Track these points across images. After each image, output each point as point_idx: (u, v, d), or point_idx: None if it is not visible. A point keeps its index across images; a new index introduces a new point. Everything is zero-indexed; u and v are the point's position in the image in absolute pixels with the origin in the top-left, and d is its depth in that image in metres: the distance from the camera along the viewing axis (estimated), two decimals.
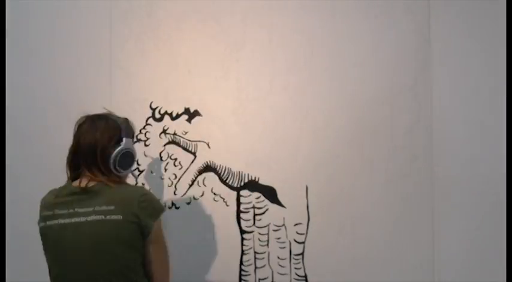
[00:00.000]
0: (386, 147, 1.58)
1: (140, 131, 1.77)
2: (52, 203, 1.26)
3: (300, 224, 1.65)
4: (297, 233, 1.65)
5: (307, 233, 1.64)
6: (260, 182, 1.69)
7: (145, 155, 1.77)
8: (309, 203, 1.64)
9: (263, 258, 1.68)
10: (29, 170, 1.93)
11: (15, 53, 1.91)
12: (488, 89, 1.51)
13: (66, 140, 1.90)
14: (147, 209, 1.23)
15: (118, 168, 1.27)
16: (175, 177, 1.75)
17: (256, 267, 1.69)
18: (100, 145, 1.26)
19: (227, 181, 1.72)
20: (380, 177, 1.58)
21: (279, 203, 1.67)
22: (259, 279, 1.68)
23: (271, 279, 1.67)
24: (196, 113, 1.76)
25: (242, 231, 1.70)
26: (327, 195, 1.62)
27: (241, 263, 1.70)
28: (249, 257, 1.70)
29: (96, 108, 1.85)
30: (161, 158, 1.78)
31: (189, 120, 1.77)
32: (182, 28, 1.79)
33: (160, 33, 1.81)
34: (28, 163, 1.92)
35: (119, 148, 1.27)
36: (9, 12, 1.89)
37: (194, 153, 1.76)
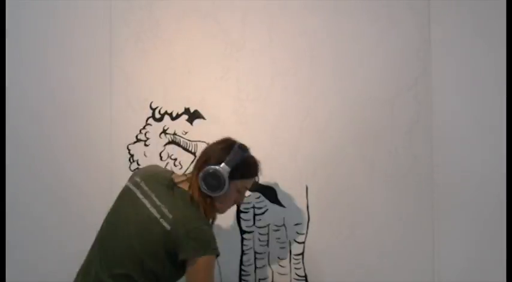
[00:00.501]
0: (387, 147, 1.58)
1: (140, 131, 1.77)
2: (146, 176, 1.38)
3: (300, 224, 1.65)
4: (297, 233, 1.65)
5: (307, 233, 1.64)
6: (260, 182, 1.69)
7: (145, 155, 1.76)
8: (309, 203, 1.64)
9: (263, 258, 1.68)
10: (29, 170, 1.92)
11: (15, 53, 1.91)
12: (488, 89, 1.51)
13: (66, 140, 1.90)
14: (193, 240, 1.26)
15: (202, 183, 1.30)
16: None
17: (256, 267, 1.69)
18: (205, 158, 1.34)
19: None
20: (380, 177, 1.58)
21: (279, 203, 1.67)
22: (259, 279, 1.68)
23: (271, 279, 1.67)
24: (198, 115, 1.76)
25: (242, 231, 1.70)
26: (327, 195, 1.62)
27: (241, 263, 1.70)
28: (249, 257, 1.70)
29: (96, 108, 1.85)
30: (161, 158, 1.78)
31: (189, 120, 1.76)
32: (182, 28, 1.78)
33: (160, 33, 1.80)
34: (28, 163, 1.92)
35: (209, 167, 1.31)
36: (9, 12, 1.88)
37: (194, 153, 1.76)
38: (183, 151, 1.77)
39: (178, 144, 1.77)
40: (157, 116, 1.79)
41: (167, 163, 1.77)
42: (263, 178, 1.68)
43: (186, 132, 1.77)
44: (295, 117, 1.65)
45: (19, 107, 1.92)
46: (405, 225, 1.56)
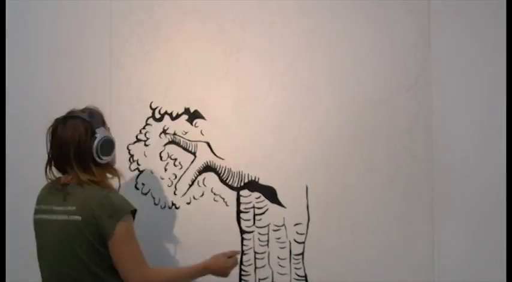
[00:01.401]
0: (386, 147, 1.58)
1: (140, 131, 1.77)
2: (41, 198, 1.40)
3: (300, 224, 1.65)
4: (297, 233, 1.65)
5: (307, 233, 1.64)
6: (260, 182, 1.69)
7: (145, 155, 1.76)
8: (309, 203, 1.64)
9: (263, 258, 1.68)
10: (29, 170, 1.92)
11: (15, 53, 1.91)
12: (488, 89, 1.52)
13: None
14: (107, 210, 1.28)
15: (102, 157, 1.34)
16: (175, 177, 1.75)
17: (256, 267, 1.69)
18: (73, 145, 1.32)
19: (227, 181, 1.72)
20: (380, 177, 1.58)
21: (279, 203, 1.67)
22: (259, 279, 1.68)
23: (271, 279, 1.67)
24: (198, 115, 1.76)
25: (242, 231, 1.70)
26: (327, 195, 1.62)
27: (241, 263, 1.70)
28: (249, 257, 1.70)
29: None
30: (161, 158, 1.78)
31: (189, 120, 1.76)
32: (182, 28, 1.79)
33: (160, 33, 1.81)
34: (28, 163, 1.92)
35: (96, 140, 1.33)
36: (9, 12, 1.89)
37: (194, 153, 1.76)
38: (183, 151, 1.77)
39: (178, 144, 1.77)
40: (157, 116, 1.79)
41: (167, 163, 1.77)
42: (263, 178, 1.69)
43: (186, 132, 1.77)
44: (294, 117, 1.65)
45: (19, 107, 1.92)
46: (405, 225, 1.56)
